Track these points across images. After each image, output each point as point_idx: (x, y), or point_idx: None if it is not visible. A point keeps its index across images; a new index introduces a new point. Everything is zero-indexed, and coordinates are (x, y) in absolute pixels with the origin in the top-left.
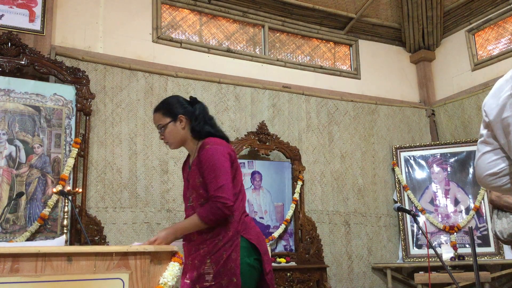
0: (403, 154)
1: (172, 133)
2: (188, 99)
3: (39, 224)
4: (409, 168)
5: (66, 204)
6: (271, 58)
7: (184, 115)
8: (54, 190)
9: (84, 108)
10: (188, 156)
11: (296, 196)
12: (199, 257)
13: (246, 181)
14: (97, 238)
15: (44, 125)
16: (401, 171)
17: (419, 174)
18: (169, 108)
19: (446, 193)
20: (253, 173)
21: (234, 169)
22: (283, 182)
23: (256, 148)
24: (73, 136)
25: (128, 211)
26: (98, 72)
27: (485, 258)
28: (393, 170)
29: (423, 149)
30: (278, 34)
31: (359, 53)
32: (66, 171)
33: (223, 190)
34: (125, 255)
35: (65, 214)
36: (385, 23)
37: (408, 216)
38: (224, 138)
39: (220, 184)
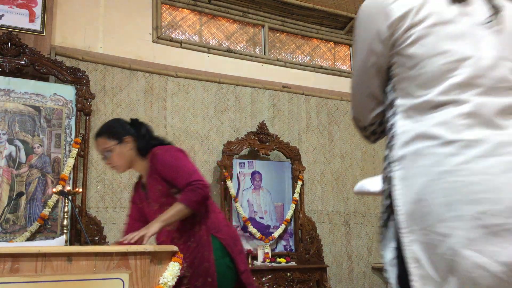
0: None
1: (119, 155)
2: (130, 120)
3: (39, 224)
4: None
5: (66, 204)
6: (271, 58)
7: (129, 135)
8: (54, 190)
9: (84, 108)
10: (139, 179)
11: (296, 196)
12: None
13: (246, 181)
14: (97, 238)
15: (44, 125)
16: None
17: None
18: (113, 130)
19: None
20: (253, 173)
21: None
22: (283, 182)
23: (256, 148)
24: (73, 136)
25: (128, 211)
26: (98, 72)
27: None
28: None
29: None
30: (278, 34)
31: None
32: (66, 171)
33: (194, 174)
34: (125, 255)
35: (65, 214)
36: None
37: None
38: (170, 145)
39: (188, 171)
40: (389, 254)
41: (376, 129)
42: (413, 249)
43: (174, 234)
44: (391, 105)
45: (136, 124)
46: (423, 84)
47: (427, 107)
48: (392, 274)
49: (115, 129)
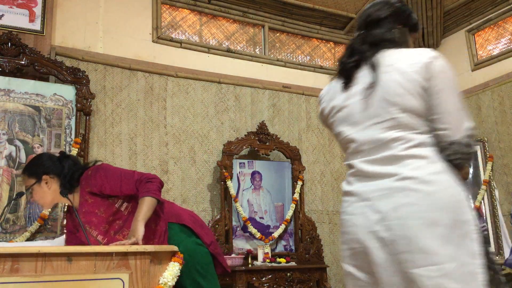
0: None
1: (38, 194)
2: (59, 154)
3: (39, 224)
4: None
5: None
6: (271, 58)
7: (49, 174)
8: None
9: (84, 108)
10: (68, 210)
11: (296, 196)
12: None
13: (246, 181)
14: None
15: (44, 125)
16: None
17: None
18: (33, 169)
19: None
20: (253, 173)
21: None
22: (283, 182)
23: (256, 148)
24: (73, 136)
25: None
26: (98, 72)
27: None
28: None
29: None
30: (278, 34)
31: None
32: None
33: (135, 173)
34: (125, 255)
35: (65, 214)
36: None
37: None
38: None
39: (130, 173)
40: None
41: None
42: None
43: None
44: None
45: (61, 160)
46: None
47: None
48: None
49: (34, 168)
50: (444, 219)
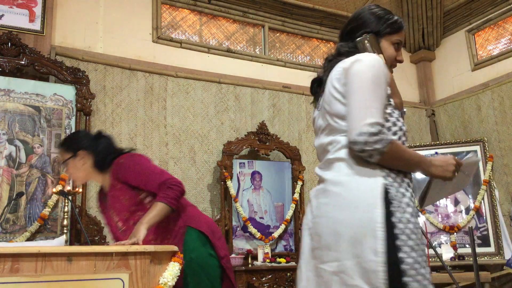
0: None
1: (73, 169)
2: (96, 133)
3: (39, 224)
4: None
5: (66, 204)
6: (271, 58)
7: (85, 150)
8: (54, 190)
9: (84, 108)
10: (101, 189)
11: (296, 196)
12: None
13: (246, 181)
14: (97, 238)
15: (44, 125)
16: None
17: (419, 174)
18: (70, 144)
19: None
20: (253, 173)
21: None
22: (283, 182)
23: (256, 148)
24: None
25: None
26: (98, 72)
27: (485, 258)
28: None
29: (423, 149)
30: (278, 34)
31: None
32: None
33: (164, 174)
34: (125, 255)
35: (65, 214)
36: None
37: None
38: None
39: (157, 172)
40: None
41: None
42: None
43: (154, 231)
44: None
45: (98, 138)
46: None
47: None
48: None
49: (72, 142)
50: (347, 218)
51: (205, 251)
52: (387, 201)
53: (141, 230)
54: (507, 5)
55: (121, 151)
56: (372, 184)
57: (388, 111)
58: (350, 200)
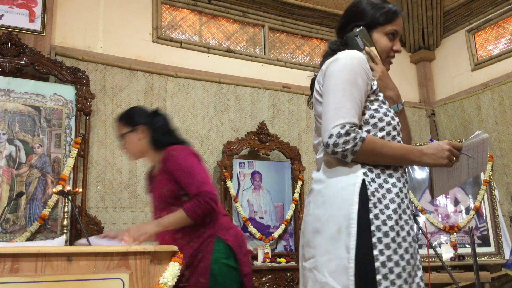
0: None
1: (131, 143)
2: (153, 110)
3: (39, 224)
4: (409, 168)
5: (66, 204)
6: (271, 58)
7: (145, 125)
8: (54, 190)
9: (84, 108)
10: (151, 170)
11: (296, 196)
12: None
13: (246, 181)
14: None
15: (44, 125)
16: None
17: (419, 174)
18: (129, 118)
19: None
20: (253, 173)
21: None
22: (283, 182)
23: (256, 148)
24: (73, 136)
25: (128, 211)
26: (98, 72)
27: (485, 258)
28: None
29: None
30: (278, 34)
31: None
32: (66, 171)
33: (205, 185)
34: (125, 255)
35: (65, 214)
36: None
37: None
38: (186, 143)
39: (200, 179)
40: None
41: None
42: None
43: (178, 233)
44: None
45: (156, 115)
46: None
47: None
48: None
49: (132, 116)
50: (323, 215)
51: (226, 263)
52: (366, 197)
53: (149, 228)
54: (507, 5)
55: (177, 139)
56: (350, 181)
57: (374, 106)
58: (328, 197)
